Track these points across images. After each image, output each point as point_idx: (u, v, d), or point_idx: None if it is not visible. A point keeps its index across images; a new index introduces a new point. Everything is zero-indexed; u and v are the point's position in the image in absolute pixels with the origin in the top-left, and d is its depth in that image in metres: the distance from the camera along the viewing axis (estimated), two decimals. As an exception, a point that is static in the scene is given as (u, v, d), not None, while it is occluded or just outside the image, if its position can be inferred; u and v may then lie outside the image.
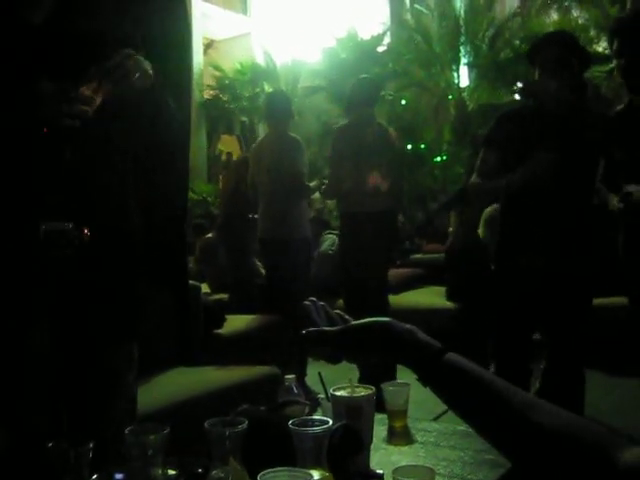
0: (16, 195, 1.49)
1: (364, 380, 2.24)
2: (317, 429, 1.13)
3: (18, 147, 1.46)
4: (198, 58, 12.94)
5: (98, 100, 1.42)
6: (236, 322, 4.48)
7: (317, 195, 5.85)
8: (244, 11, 16.05)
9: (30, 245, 1.50)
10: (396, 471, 1.17)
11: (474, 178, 3.13)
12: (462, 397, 1.01)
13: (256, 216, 5.01)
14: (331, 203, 10.67)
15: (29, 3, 1.52)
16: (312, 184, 4.94)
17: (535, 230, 2.95)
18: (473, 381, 0.99)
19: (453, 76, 12.20)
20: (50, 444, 1.13)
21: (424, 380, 1.04)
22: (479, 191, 3.23)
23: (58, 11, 1.54)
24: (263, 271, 5.26)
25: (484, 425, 0.99)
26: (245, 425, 1.19)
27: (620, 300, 3.52)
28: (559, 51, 2.90)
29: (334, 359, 1.17)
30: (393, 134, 4.62)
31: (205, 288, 5.46)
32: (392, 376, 2.65)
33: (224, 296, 5.55)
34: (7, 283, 1.52)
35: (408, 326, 1.08)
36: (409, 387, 1.68)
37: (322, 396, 1.60)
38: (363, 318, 1.12)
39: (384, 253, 4.52)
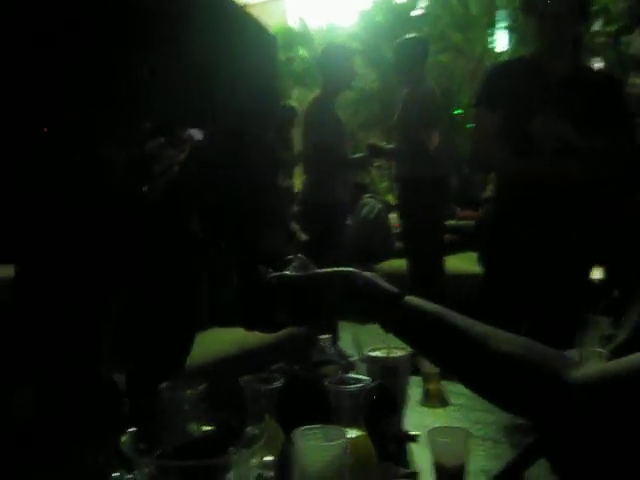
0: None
1: None
2: (354, 386, 1.12)
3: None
4: (232, 21, 12.88)
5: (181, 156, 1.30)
6: (269, 284, 4.48)
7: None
8: (278, -27, 15.90)
9: None
10: (431, 432, 1.16)
11: (476, 147, 2.95)
12: (423, 336, 1.02)
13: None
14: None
15: None
16: (356, 156, 4.80)
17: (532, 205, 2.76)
18: (432, 319, 1.00)
19: (489, 40, 11.92)
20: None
21: (385, 326, 1.05)
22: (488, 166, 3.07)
23: None
24: (303, 236, 5.15)
25: (447, 361, 1.00)
26: (280, 382, 1.19)
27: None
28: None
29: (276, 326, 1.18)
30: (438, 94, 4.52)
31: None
32: None
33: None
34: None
35: (369, 274, 1.10)
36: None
37: (356, 357, 1.60)
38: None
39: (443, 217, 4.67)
